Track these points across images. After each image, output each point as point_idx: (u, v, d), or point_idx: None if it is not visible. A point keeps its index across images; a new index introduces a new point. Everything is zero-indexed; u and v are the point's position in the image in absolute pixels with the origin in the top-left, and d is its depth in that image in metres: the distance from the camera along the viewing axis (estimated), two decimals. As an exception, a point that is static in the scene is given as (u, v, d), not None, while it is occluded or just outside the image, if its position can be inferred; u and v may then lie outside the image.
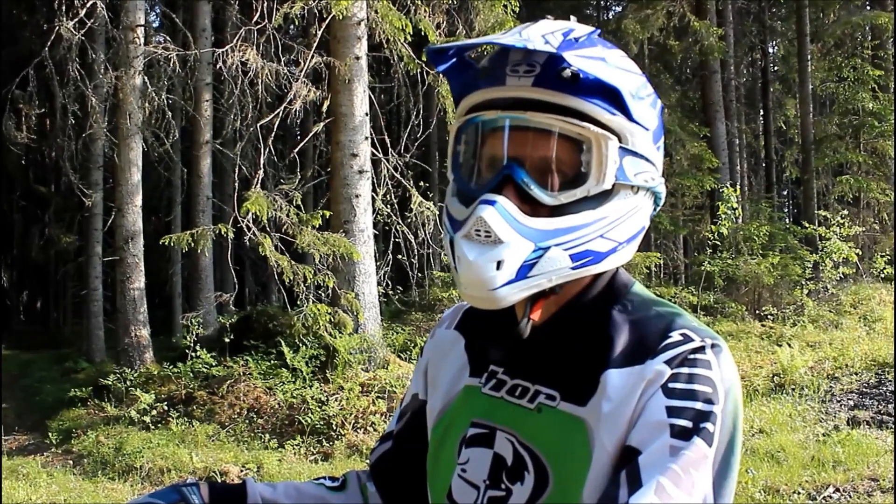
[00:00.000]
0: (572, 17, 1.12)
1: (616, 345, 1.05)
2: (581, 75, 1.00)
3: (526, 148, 1.03)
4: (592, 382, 1.04)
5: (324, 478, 1.37)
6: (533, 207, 1.02)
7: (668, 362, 1.01)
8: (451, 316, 1.32)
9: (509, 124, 1.04)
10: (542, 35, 1.03)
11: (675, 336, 1.03)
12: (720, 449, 0.97)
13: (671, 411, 0.98)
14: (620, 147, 1.04)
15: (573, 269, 1.04)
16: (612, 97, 1.03)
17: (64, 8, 9.53)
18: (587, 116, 1.02)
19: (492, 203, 1.01)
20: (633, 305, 1.11)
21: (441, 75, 7.97)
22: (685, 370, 1.00)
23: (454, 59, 1.11)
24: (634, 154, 1.06)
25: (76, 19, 9.40)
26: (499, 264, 1.00)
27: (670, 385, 0.99)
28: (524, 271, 1.02)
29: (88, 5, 9.45)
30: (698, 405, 0.98)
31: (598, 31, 1.08)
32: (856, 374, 8.23)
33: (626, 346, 1.05)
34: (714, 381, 1.00)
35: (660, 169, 1.12)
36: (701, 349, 1.02)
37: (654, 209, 1.14)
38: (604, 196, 1.05)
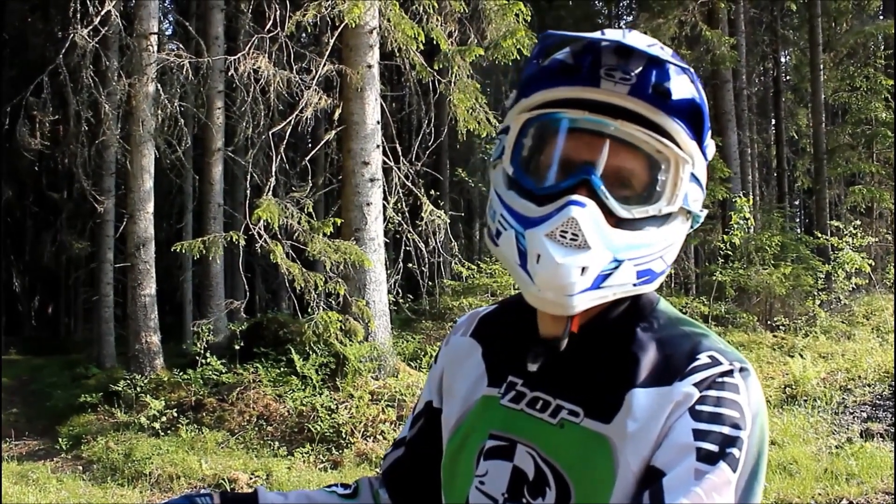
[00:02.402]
0: (633, 31, 1.11)
1: (642, 364, 1.04)
2: (674, 93, 1.00)
3: (605, 155, 1.01)
4: (617, 400, 1.02)
5: (335, 485, 1.36)
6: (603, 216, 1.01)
7: (697, 385, 0.99)
8: (467, 323, 1.30)
9: (597, 129, 1.01)
10: (647, 46, 1.01)
11: (704, 358, 1.02)
12: (744, 474, 0.96)
13: (698, 434, 0.97)
14: (691, 172, 1.05)
15: (634, 286, 1.04)
16: (695, 121, 1.03)
17: (79, 16, 9.59)
18: (670, 136, 1.02)
19: (581, 205, 0.98)
20: (658, 323, 1.09)
21: (453, 83, 7.97)
22: (713, 393, 0.99)
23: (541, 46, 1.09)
24: (696, 181, 1.07)
25: (90, 27, 9.47)
26: (583, 270, 0.98)
27: (698, 408, 0.98)
28: (599, 281, 1.00)
29: (103, 13, 9.52)
30: (725, 430, 0.97)
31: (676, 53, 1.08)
32: (869, 385, 8.17)
33: (652, 366, 1.03)
34: (742, 406, 0.98)
35: (705, 195, 1.11)
36: (729, 373, 1.00)
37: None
38: (667, 217, 1.04)
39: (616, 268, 1.00)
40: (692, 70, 1.06)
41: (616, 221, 1.00)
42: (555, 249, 0.98)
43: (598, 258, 0.98)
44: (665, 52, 1.03)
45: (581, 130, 1.02)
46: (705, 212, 1.12)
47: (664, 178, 1.03)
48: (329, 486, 1.35)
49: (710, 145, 1.08)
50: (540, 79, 1.07)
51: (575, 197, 0.99)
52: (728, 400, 0.98)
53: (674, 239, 1.06)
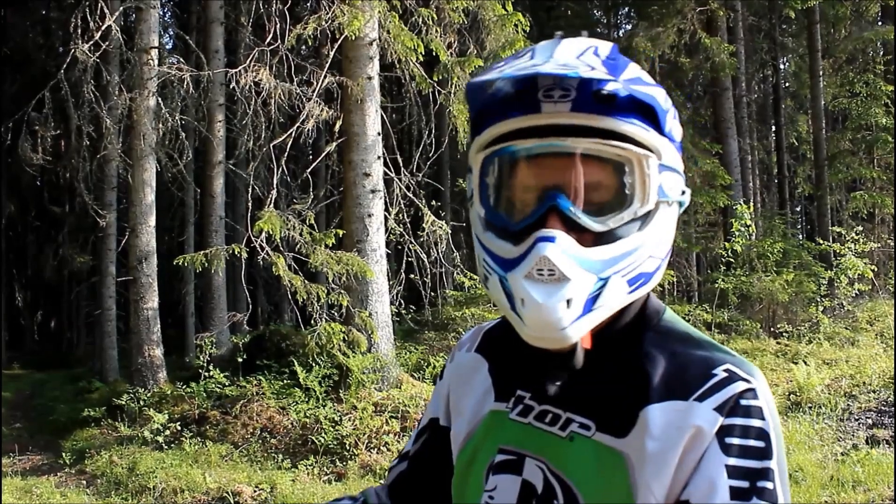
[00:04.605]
0: (584, 33, 1.08)
1: (653, 376, 1.03)
2: (617, 95, 0.98)
3: (567, 175, 1.00)
4: (630, 415, 1.02)
5: (343, 498, 1.35)
6: (580, 235, 0.99)
7: (719, 409, 0.99)
8: (472, 338, 1.30)
9: (550, 152, 1.00)
10: (576, 57, 0.99)
11: (720, 373, 1.01)
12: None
13: (730, 471, 0.97)
14: (659, 164, 1.03)
15: (629, 293, 1.03)
16: (647, 113, 1.01)
17: (79, 31, 9.62)
18: (625, 137, 1.00)
19: (550, 240, 0.97)
20: (666, 334, 1.09)
21: (453, 94, 7.97)
22: (739, 422, 0.99)
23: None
24: (669, 168, 1.04)
25: (91, 42, 9.48)
26: (568, 302, 0.97)
27: (727, 441, 0.98)
28: (589, 305, 0.99)
29: (103, 28, 9.54)
30: (755, 464, 0.97)
31: (617, 46, 1.05)
32: (873, 391, 8.15)
33: (664, 379, 1.03)
34: (768, 433, 0.99)
35: (684, 177, 1.10)
36: (749, 392, 1.00)
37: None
38: (647, 215, 1.02)
39: (603, 286, 0.99)
40: (630, 60, 1.04)
41: (594, 238, 0.99)
42: (535, 290, 0.97)
43: (581, 286, 0.97)
44: (601, 51, 1.01)
45: (537, 157, 1.01)
46: (689, 192, 1.10)
47: (631, 180, 1.01)
48: (337, 500, 1.35)
49: (675, 126, 1.05)
50: (486, 114, 1.05)
51: (542, 233, 0.98)
52: (754, 428, 0.99)
53: (661, 233, 1.04)
